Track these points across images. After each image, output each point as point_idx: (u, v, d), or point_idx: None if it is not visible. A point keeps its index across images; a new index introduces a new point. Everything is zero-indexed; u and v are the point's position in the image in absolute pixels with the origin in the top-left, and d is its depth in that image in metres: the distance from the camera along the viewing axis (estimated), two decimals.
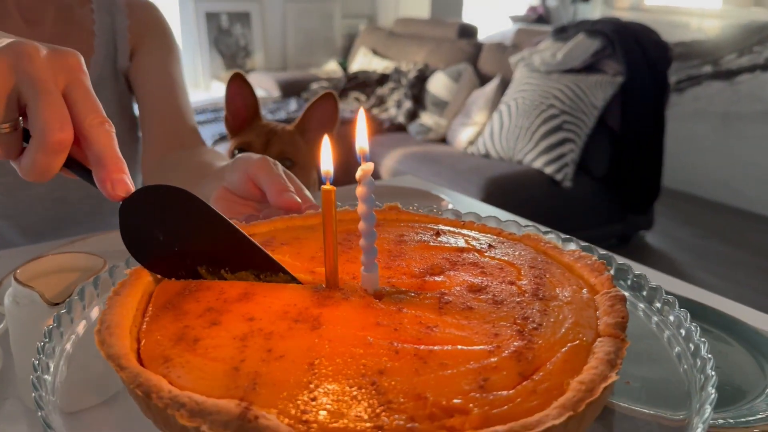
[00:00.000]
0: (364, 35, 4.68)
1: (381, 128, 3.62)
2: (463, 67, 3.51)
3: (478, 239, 0.52)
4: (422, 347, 0.37)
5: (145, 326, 0.40)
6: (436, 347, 0.37)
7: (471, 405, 0.32)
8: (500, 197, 2.80)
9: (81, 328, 0.45)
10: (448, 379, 0.34)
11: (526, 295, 0.43)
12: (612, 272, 0.47)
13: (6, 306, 0.58)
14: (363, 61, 4.41)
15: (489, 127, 3.13)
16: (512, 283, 0.44)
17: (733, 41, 3.75)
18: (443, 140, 3.48)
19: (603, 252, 0.50)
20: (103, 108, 1.05)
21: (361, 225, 0.41)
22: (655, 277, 0.88)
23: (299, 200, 0.60)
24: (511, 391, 0.33)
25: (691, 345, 0.41)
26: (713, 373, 0.37)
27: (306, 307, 0.41)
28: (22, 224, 1.01)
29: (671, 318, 0.45)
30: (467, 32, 3.99)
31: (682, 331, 0.43)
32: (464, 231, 0.54)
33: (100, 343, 0.36)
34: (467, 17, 5.21)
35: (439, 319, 0.40)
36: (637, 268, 0.51)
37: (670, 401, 0.44)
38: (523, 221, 0.58)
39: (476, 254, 0.49)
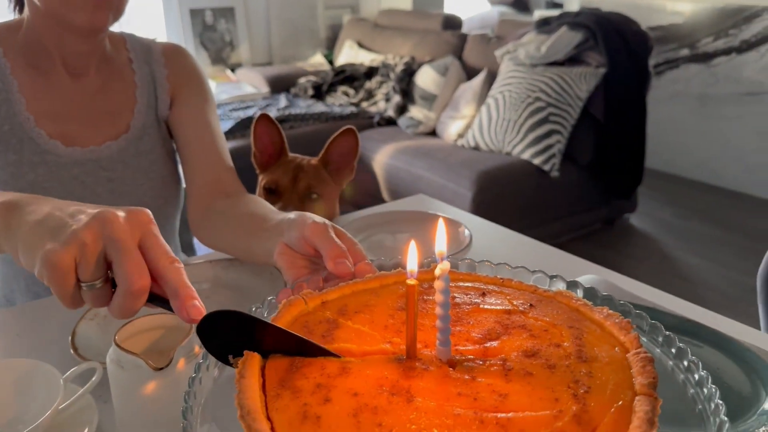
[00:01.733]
0: (348, 27, 4.72)
1: (371, 122, 3.70)
2: (450, 61, 3.58)
3: (518, 299, 0.62)
4: (501, 415, 0.46)
5: (269, 405, 0.49)
6: (510, 414, 0.46)
7: None
8: (492, 190, 2.91)
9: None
10: None
11: (572, 357, 0.52)
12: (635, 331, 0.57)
13: (109, 369, 0.66)
14: (349, 53, 4.46)
15: (478, 120, 3.22)
16: (558, 346, 0.54)
17: (709, 25, 3.87)
18: (433, 133, 3.57)
19: (622, 302, 0.60)
20: (149, 153, 1.15)
21: (439, 311, 0.50)
22: (648, 293, 0.98)
23: (352, 269, 0.69)
24: None
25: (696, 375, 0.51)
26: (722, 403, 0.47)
27: (396, 379, 0.50)
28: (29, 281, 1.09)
29: (686, 363, 0.55)
30: (451, 23, 4.07)
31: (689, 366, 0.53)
32: (505, 290, 0.64)
33: (248, 429, 0.45)
34: (449, 4, 5.27)
35: (508, 386, 0.49)
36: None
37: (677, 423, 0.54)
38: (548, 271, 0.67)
39: (522, 316, 0.58)
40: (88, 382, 0.72)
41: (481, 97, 3.32)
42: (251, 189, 1.23)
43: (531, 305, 0.60)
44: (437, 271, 0.49)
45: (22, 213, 0.59)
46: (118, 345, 0.65)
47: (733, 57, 3.74)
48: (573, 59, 3.14)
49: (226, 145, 1.14)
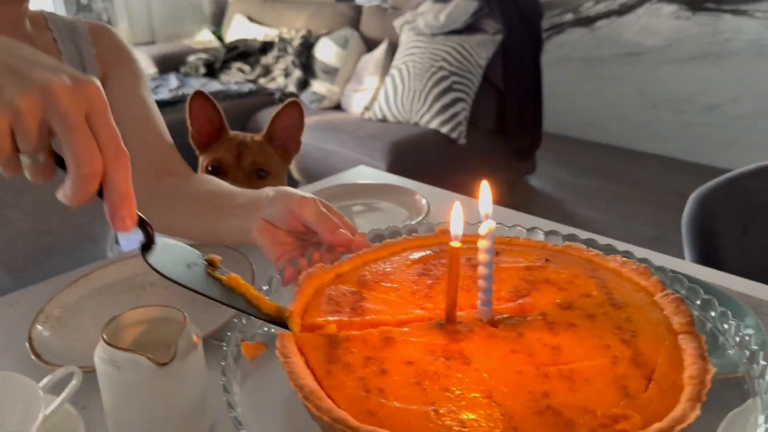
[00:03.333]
0: (236, 2, 4.55)
1: (272, 99, 3.60)
2: (350, 33, 3.55)
3: (532, 255, 0.62)
4: (562, 367, 0.46)
5: (322, 383, 0.46)
6: (570, 365, 0.46)
7: (629, 410, 0.42)
8: (403, 160, 2.93)
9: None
10: (599, 392, 0.44)
11: (606, 305, 0.53)
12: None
13: (101, 370, 0.60)
14: (239, 29, 4.31)
15: (383, 92, 3.22)
16: (588, 296, 0.55)
17: None
18: (338, 107, 3.53)
19: (640, 257, 0.62)
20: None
21: (482, 270, 0.49)
22: None
23: (351, 237, 0.66)
24: (646, 393, 0.44)
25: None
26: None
27: (445, 344, 0.49)
28: (5, 260, 0.99)
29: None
30: None
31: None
32: (515, 248, 0.64)
33: (317, 408, 0.42)
34: None
35: (556, 339, 0.49)
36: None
37: None
38: (546, 226, 0.68)
39: (542, 271, 0.59)
40: (62, 390, 0.66)
41: (384, 69, 3.32)
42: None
43: (546, 260, 0.61)
44: (483, 230, 0.48)
45: None
46: (110, 344, 0.59)
47: (613, 20, 3.95)
48: (471, 27, 3.20)
49: (164, 123, 1.06)
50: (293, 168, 3.27)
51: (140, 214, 0.53)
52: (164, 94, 3.50)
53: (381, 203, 1.14)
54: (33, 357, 0.74)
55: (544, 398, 0.43)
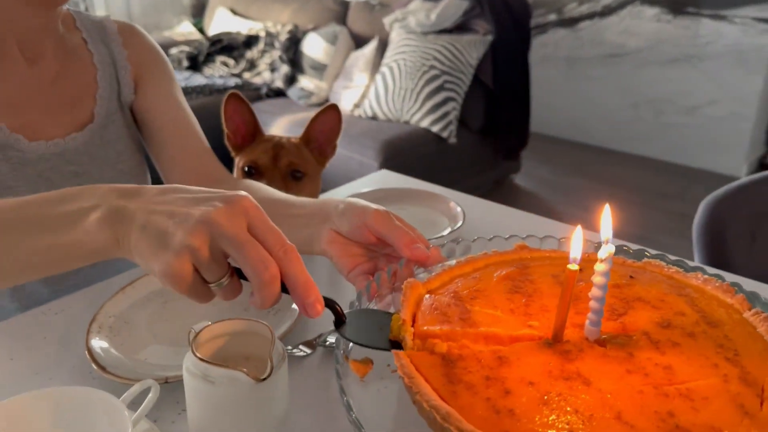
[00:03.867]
0: None
1: (259, 94, 3.57)
2: (338, 29, 3.53)
3: (615, 271, 0.64)
4: (680, 387, 0.48)
5: (453, 404, 0.47)
6: (686, 384, 0.48)
7: (753, 429, 0.44)
8: (395, 159, 2.94)
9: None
10: (719, 411, 0.46)
11: (702, 324, 0.55)
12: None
13: (191, 385, 0.60)
14: (221, 21, 4.25)
15: (374, 90, 3.22)
16: (683, 314, 0.57)
17: None
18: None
19: (713, 271, 0.64)
20: (116, 143, 1.04)
21: (596, 292, 0.51)
22: None
23: (427, 251, 0.68)
24: (763, 412, 0.46)
25: None
26: None
27: (560, 364, 0.51)
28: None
29: None
30: None
31: None
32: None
33: (458, 431, 0.43)
34: None
35: (666, 358, 0.51)
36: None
37: None
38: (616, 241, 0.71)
39: (631, 289, 0.61)
40: (136, 402, 0.65)
41: (375, 66, 3.32)
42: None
43: (631, 277, 0.63)
44: (603, 254, 0.50)
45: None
46: (202, 359, 0.59)
47: (596, 21, 4.02)
48: (461, 27, 3.22)
49: (199, 126, 1.05)
50: None
51: (329, 298, 0.56)
52: None
53: (409, 209, 1.15)
54: (96, 369, 0.73)
55: (671, 418, 0.45)
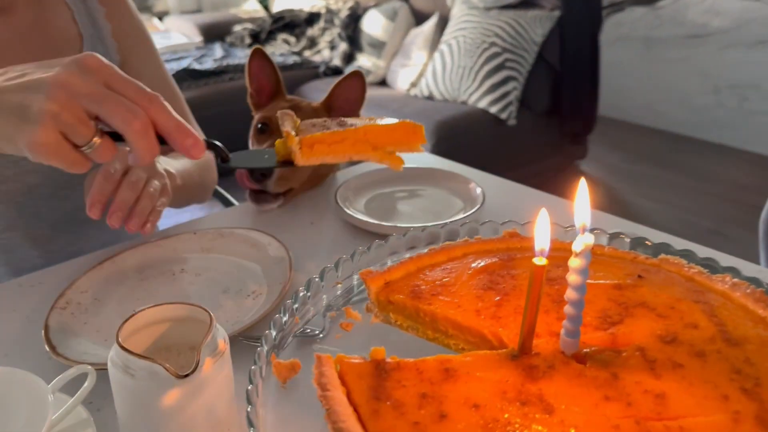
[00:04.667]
0: None
1: (317, 72, 3.51)
2: (399, 5, 3.42)
3: (621, 269, 0.52)
4: (670, 423, 0.37)
5: (367, 425, 0.38)
6: (680, 421, 0.37)
7: None
8: (448, 141, 2.82)
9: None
10: None
11: (718, 341, 0.43)
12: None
13: (114, 376, 0.53)
14: None
15: (431, 68, 3.10)
16: (695, 327, 0.45)
17: None
18: (383, 82, 3.42)
19: (748, 275, 0.51)
20: None
21: (572, 295, 0.40)
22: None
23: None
24: None
25: None
26: None
27: (520, 383, 0.40)
28: (31, 233, 0.93)
29: None
30: None
31: None
32: (600, 257, 0.54)
33: None
34: None
35: (660, 384, 0.40)
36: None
37: None
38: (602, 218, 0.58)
39: (636, 291, 0.49)
40: (75, 388, 0.59)
41: (434, 44, 3.19)
42: (225, 124, 1.12)
43: (640, 276, 0.51)
44: (578, 246, 0.38)
45: None
46: (124, 348, 0.52)
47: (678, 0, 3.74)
48: (526, 2, 3.04)
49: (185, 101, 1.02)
50: None
51: (209, 139, 0.57)
52: (209, 64, 3.43)
53: (428, 190, 1.05)
54: (48, 349, 0.68)
55: None
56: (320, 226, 0.96)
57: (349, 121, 0.64)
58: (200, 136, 0.56)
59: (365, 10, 3.60)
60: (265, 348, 0.45)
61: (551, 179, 3.41)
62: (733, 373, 0.40)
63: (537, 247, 0.39)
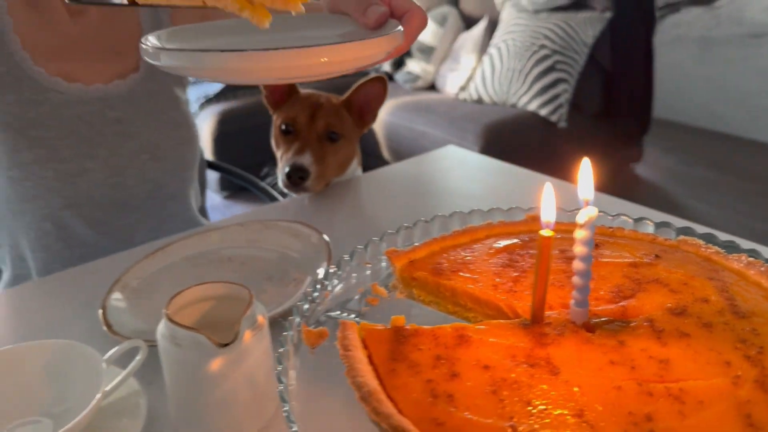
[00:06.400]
0: None
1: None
2: (448, 10, 3.45)
3: (639, 249, 0.54)
4: (671, 385, 0.38)
5: (385, 382, 0.41)
6: (681, 384, 0.39)
7: None
8: (498, 143, 2.82)
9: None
10: (714, 419, 0.36)
11: (727, 313, 0.45)
12: None
13: (162, 347, 0.58)
14: None
15: (480, 72, 3.11)
16: (706, 301, 0.46)
17: None
18: (432, 87, 3.45)
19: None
20: (160, 95, 1.08)
21: (579, 265, 0.42)
22: None
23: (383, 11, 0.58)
24: None
25: None
26: None
27: (530, 347, 0.42)
28: (84, 213, 1.00)
29: None
30: None
31: None
32: (619, 240, 0.56)
33: (374, 412, 0.37)
34: None
35: (665, 350, 0.41)
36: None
37: None
38: (655, 218, 0.59)
39: (651, 269, 0.51)
40: (128, 363, 0.64)
41: (483, 47, 3.20)
42: (266, 133, 1.17)
43: (656, 256, 0.52)
44: (581, 218, 0.41)
45: None
46: (171, 320, 0.56)
47: None
48: (577, 4, 3.02)
49: None
50: (382, 147, 3.23)
51: None
52: None
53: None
54: (104, 328, 0.73)
55: (646, 422, 0.36)
56: (358, 217, 1.01)
57: None
58: None
59: None
60: (297, 318, 0.49)
61: (605, 182, 3.36)
62: (738, 342, 0.42)
63: (543, 220, 0.42)
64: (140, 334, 0.72)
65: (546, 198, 0.42)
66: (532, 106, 2.92)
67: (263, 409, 0.61)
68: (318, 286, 0.52)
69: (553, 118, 2.91)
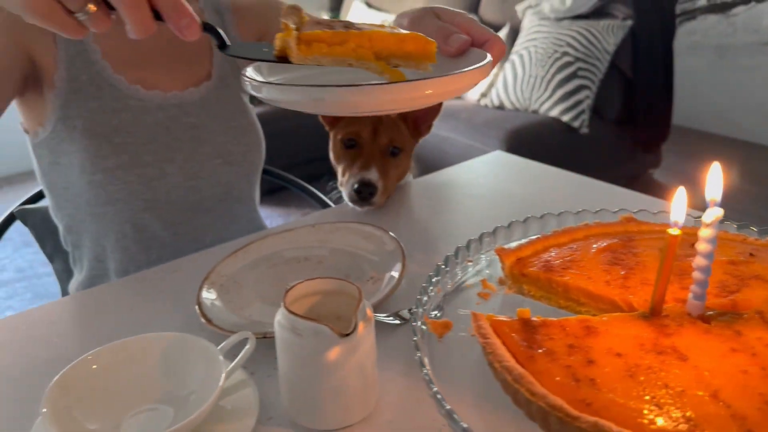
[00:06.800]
0: None
1: None
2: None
3: (733, 248, 0.58)
4: None
5: (528, 368, 0.45)
6: None
7: None
8: (519, 149, 2.85)
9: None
10: None
11: None
12: None
13: (281, 336, 0.62)
14: (358, 14, 4.34)
15: (502, 78, 3.15)
16: None
17: None
18: None
19: None
20: (229, 102, 1.12)
21: (700, 261, 0.46)
22: None
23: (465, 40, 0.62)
24: None
25: None
26: None
27: (654, 337, 0.46)
28: (162, 215, 1.04)
29: None
30: None
31: None
32: None
33: (530, 393, 0.41)
34: None
35: None
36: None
37: None
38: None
39: (749, 266, 0.55)
40: (234, 355, 0.68)
41: (505, 54, 3.24)
42: (323, 148, 1.20)
43: (751, 254, 0.56)
44: (708, 218, 0.45)
45: None
46: (292, 312, 0.61)
47: (752, 6, 3.68)
48: (598, 12, 3.07)
49: None
50: None
51: (207, 22, 0.57)
52: None
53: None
54: (204, 321, 0.78)
55: None
56: (415, 221, 1.05)
57: (357, 24, 0.59)
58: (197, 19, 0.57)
59: None
60: (421, 309, 0.53)
61: (625, 187, 3.40)
62: None
63: (672, 219, 0.46)
64: (236, 327, 0.76)
65: (678, 200, 0.46)
66: (554, 112, 2.97)
67: (369, 398, 0.65)
68: (435, 279, 0.56)
69: (576, 123, 2.95)
